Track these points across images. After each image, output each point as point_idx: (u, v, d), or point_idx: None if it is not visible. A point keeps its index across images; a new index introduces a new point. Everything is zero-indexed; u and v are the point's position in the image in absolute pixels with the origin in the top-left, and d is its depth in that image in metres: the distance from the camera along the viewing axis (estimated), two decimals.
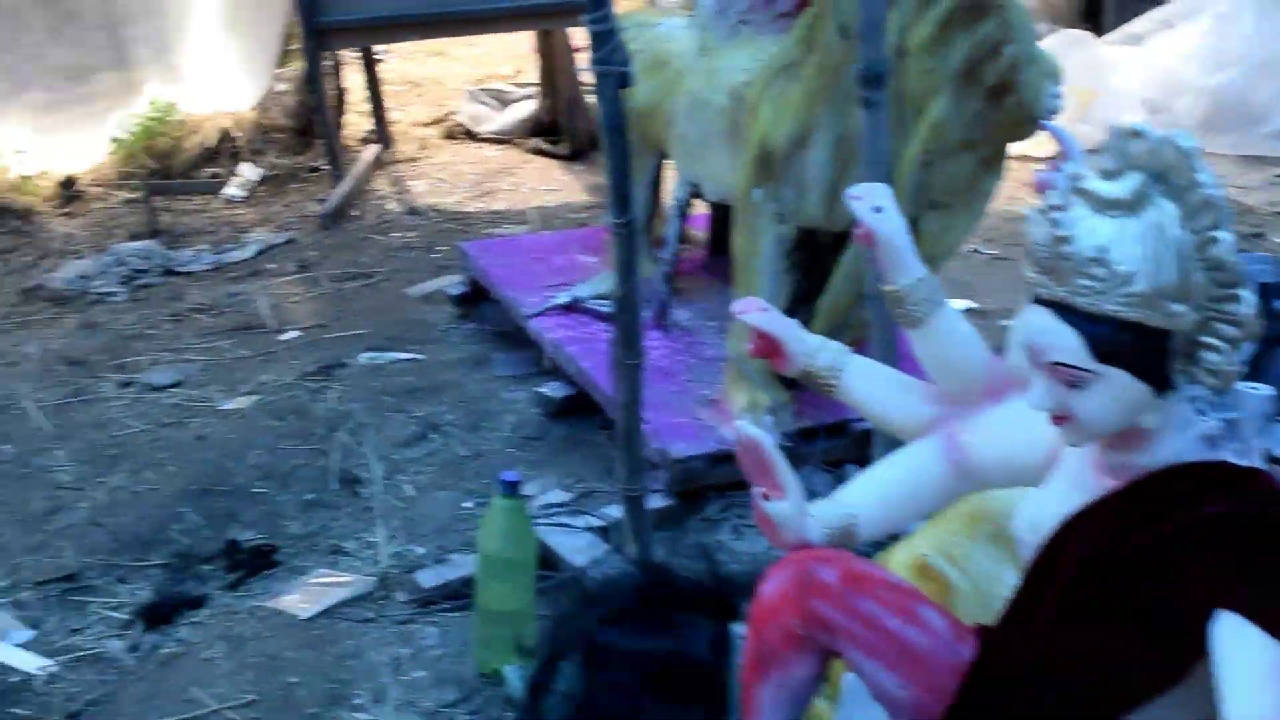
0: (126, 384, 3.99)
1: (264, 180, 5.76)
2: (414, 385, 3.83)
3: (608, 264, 3.91)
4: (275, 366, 4.03)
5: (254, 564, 3.11)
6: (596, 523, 3.03)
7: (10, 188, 5.51)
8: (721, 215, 3.89)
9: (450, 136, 6.32)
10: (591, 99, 5.98)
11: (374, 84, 6.15)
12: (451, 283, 4.42)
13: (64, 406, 3.87)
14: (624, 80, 2.33)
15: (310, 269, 4.84)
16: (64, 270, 4.87)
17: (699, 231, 4.15)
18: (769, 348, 2.10)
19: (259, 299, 4.54)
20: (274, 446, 3.54)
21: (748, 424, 1.91)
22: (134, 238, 5.15)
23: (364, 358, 4.02)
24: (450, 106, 6.58)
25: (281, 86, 6.18)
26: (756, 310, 2.11)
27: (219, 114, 6.02)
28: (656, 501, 3.00)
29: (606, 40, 2.29)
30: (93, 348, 4.27)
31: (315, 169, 5.85)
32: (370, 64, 6.13)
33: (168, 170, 5.76)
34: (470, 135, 6.30)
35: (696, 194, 3.67)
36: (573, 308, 3.78)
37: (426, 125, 6.44)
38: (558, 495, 3.25)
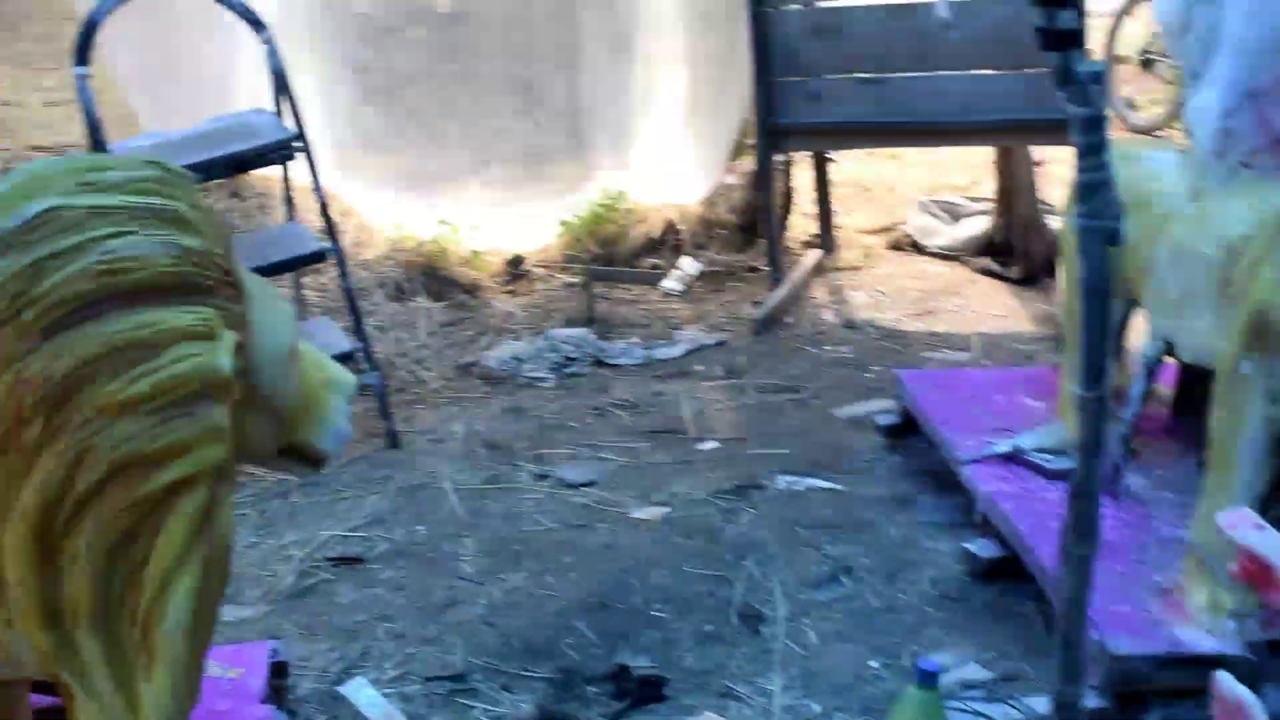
0: (542, 476, 3.94)
1: (702, 276, 5.70)
2: (830, 519, 3.59)
3: (1057, 412, 3.57)
4: (690, 478, 3.89)
5: (641, 695, 2.94)
6: (1016, 716, 2.68)
7: (462, 261, 5.68)
8: (1193, 375, 3.47)
9: (895, 247, 6.08)
10: (1052, 223, 5.62)
11: (823, 186, 6.01)
12: (882, 409, 4.17)
13: (479, 492, 3.85)
14: (1113, 238, 2.02)
15: (738, 376, 4.69)
16: (500, 349, 4.93)
17: (1164, 388, 3.72)
18: (1259, 574, 1.75)
19: (683, 402, 4.44)
20: (678, 567, 3.38)
21: (1231, 679, 1.57)
22: (569, 323, 5.18)
23: (782, 481, 3.82)
24: (899, 215, 6.35)
25: (730, 180, 6.14)
26: (1250, 526, 1.77)
27: (666, 205, 6.03)
28: (1087, 700, 2.64)
29: (1098, 192, 1.99)
30: (515, 433, 4.26)
31: (755, 269, 5.74)
32: (821, 165, 6.00)
33: (610, 257, 5.79)
34: (916, 248, 6.05)
35: (1169, 351, 3.27)
36: (1013, 458, 3.44)
37: (872, 233, 6.23)
38: (975, 672, 2.92)
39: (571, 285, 5.58)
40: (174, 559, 1.82)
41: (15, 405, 1.75)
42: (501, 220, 5.86)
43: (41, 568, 1.79)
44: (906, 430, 3.97)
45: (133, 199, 1.83)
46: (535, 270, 5.75)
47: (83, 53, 3.84)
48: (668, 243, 5.89)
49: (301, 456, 2.16)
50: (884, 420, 4.05)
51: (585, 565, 3.42)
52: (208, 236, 1.87)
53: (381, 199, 5.87)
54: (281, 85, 4.10)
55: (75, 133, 5.36)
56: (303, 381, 2.09)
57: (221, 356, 1.82)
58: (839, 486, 3.78)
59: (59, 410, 1.75)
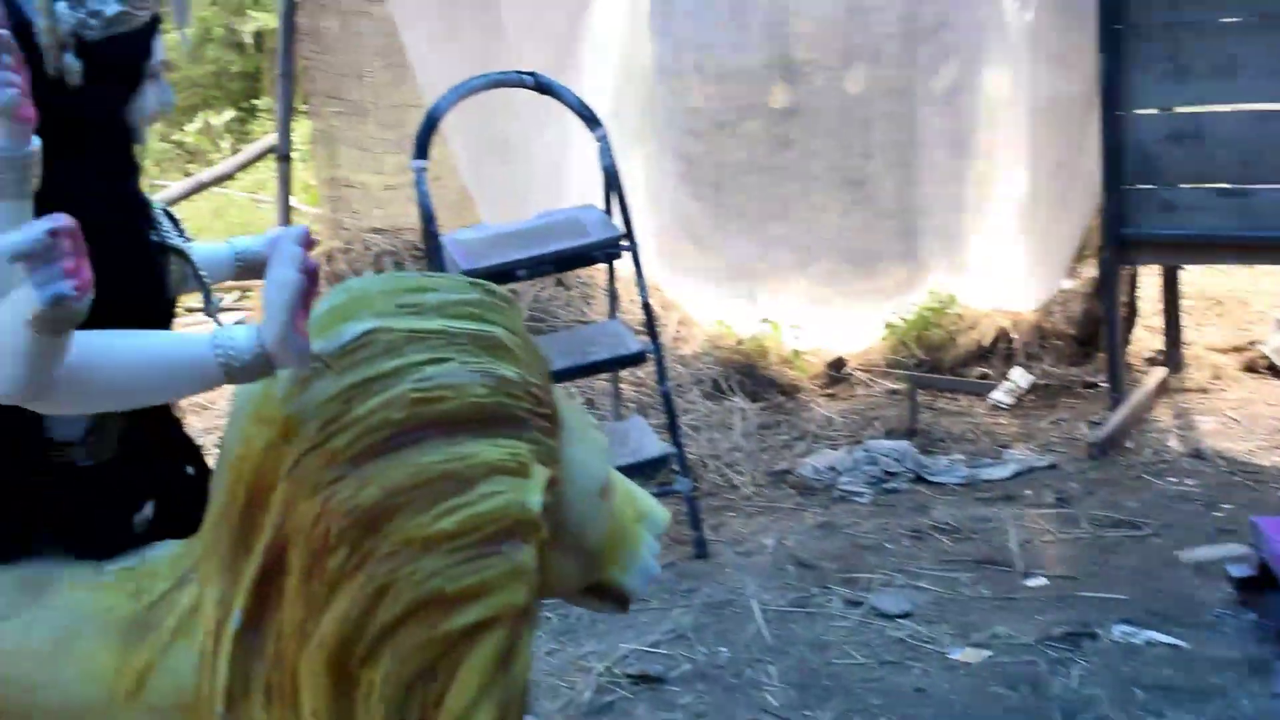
0: (854, 603, 3.72)
1: (1033, 389, 5.38)
2: (1173, 681, 3.23)
3: None
4: (1015, 618, 3.59)
5: None
6: None
7: (782, 361, 5.53)
8: None
9: (1250, 369, 5.60)
10: None
11: (1172, 299, 5.60)
12: (1234, 556, 3.77)
13: (786, 614, 3.67)
14: None
15: (1070, 504, 4.36)
16: (816, 458, 4.75)
17: None
18: None
19: (1009, 530, 4.14)
20: None
21: None
22: (890, 433, 4.96)
23: (1118, 631, 3.48)
24: (1254, 333, 5.86)
25: (1069, 287, 5.79)
26: None
27: (999, 311, 5.73)
28: None
29: None
30: (827, 551, 4.06)
31: (1092, 385, 5.38)
32: (1171, 276, 5.60)
33: (936, 364, 5.54)
34: (1274, 370, 5.55)
35: None
36: None
37: (1223, 351, 5.76)
38: None
39: (894, 392, 5.36)
40: (470, 700, 1.73)
41: (321, 534, 1.69)
42: (824, 320, 5.69)
43: (336, 699, 1.73)
44: (1264, 584, 3.57)
45: (452, 323, 1.75)
46: (857, 374, 5.55)
47: (422, 146, 3.90)
48: (998, 352, 5.59)
49: (606, 595, 2.03)
50: (1236, 571, 3.65)
51: (897, 709, 3.18)
52: (525, 365, 1.78)
53: (704, 292, 5.80)
54: (612, 182, 4.07)
55: (411, 215, 5.50)
56: (612, 517, 1.97)
57: (532, 494, 1.72)
58: (1183, 643, 3.41)
59: (364, 541, 1.68)
